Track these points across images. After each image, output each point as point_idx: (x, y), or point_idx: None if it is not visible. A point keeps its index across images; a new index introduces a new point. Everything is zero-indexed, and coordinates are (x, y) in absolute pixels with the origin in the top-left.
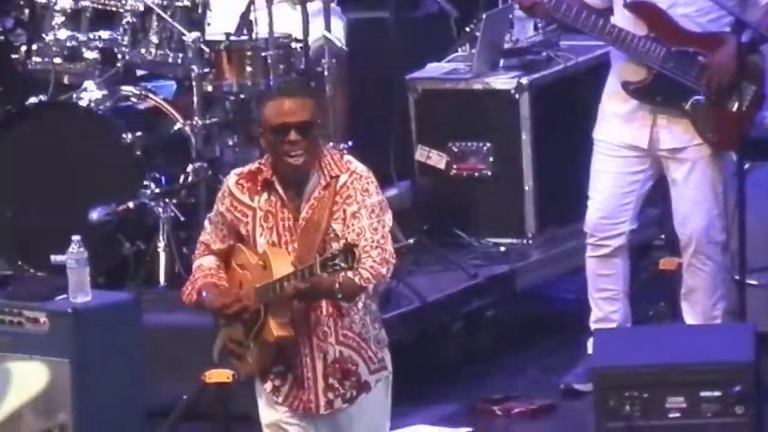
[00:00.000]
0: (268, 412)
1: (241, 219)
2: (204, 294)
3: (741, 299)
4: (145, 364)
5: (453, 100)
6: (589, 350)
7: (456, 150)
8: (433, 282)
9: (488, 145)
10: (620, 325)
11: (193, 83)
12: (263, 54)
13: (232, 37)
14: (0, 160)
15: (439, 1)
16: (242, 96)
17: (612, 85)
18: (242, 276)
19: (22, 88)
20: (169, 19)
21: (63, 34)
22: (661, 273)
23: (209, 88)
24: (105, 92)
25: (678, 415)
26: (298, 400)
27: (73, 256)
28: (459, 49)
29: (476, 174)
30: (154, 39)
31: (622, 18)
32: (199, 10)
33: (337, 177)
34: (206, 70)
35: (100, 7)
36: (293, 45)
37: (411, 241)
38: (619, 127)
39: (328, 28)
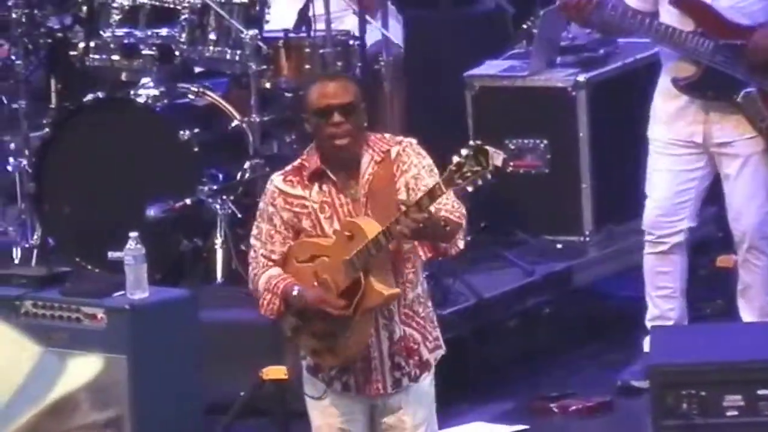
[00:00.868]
0: (320, 416)
1: (301, 212)
2: (294, 292)
3: None
4: (202, 360)
5: (510, 97)
6: (645, 348)
7: (513, 147)
8: (489, 279)
9: (545, 142)
10: (677, 323)
11: (251, 80)
12: (321, 51)
13: (291, 34)
14: (58, 156)
15: None
16: (300, 93)
17: (663, 83)
18: (316, 266)
19: (80, 85)
20: (227, 16)
21: (121, 31)
22: (719, 270)
23: (267, 85)
24: (162, 89)
25: (736, 413)
26: (363, 379)
27: (131, 252)
28: (516, 47)
29: (533, 171)
30: (212, 36)
31: (668, 15)
32: (257, 7)
33: (388, 151)
34: (264, 67)
35: (157, 4)
36: (351, 42)
37: (468, 238)
38: (672, 125)
39: (385, 26)
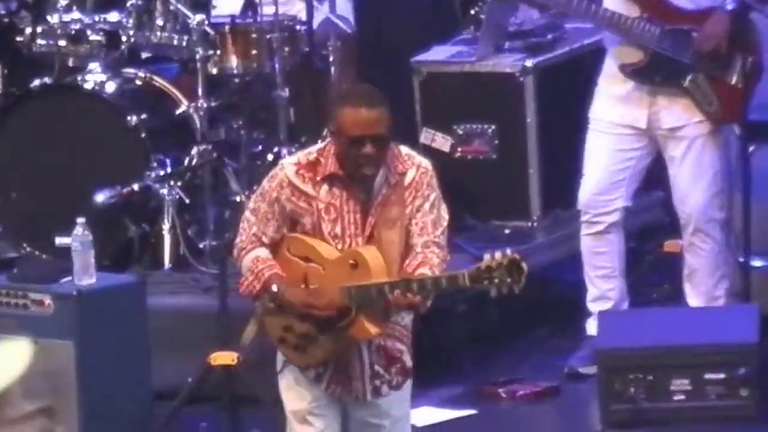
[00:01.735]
0: (295, 401)
1: (305, 209)
2: (275, 288)
3: (745, 281)
4: (149, 346)
5: (458, 82)
6: (588, 330)
7: (461, 133)
8: None
9: (493, 127)
10: (616, 304)
11: (198, 65)
12: (268, 36)
13: (237, 19)
14: (4, 142)
15: None
16: (247, 78)
17: (608, 67)
18: (308, 269)
19: (27, 71)
20: (174, 2)
21: (68, 16)
22: (666, 255)
23: (214, 71)
24: (110, 74)
25: (683, 397)
26: (341, 387)
27: (78, 238)
28: (464, 32)
29: (481, 157)
30: (159, 21)
31: (614, 1)
32: None
33: (405, 173)
34: (211, 52)
35: None
36: (298, 27)
37: None
38: (616, 108)
39: (333, 10)
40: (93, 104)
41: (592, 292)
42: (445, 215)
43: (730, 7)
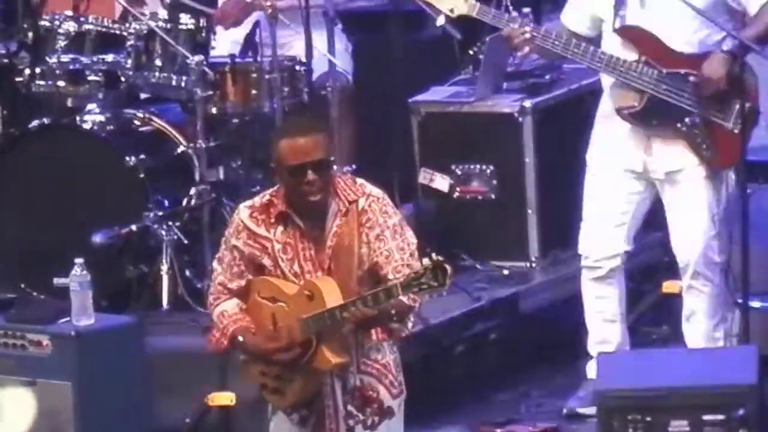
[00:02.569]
0: None
1: (261, 251)
2: (240, 339)
3: (744, 322)
4: (148, 387)
5: (456, 122)
6: (588, 374)
7: (459, 173)
8: (436, 304)
9: (491, 168)
10: (618, 348)
11: (197, 106)
12: (267, 77)
13: (237, 60)
14: (3, 182)
15: (445, 23)
16: (246, 118)
17: (604, 108)
18: (275, 309)
19: (26, 111)
20: (173, 42)
21: (66, 57)
22: (665, 296)
23: (213, 111)
24: (108, 115)
25: None
26: (323, 429)
27: (76, 278)
28: (462, 72)
29: (479, 197)
30: (158, 62)
31: (612, 44)
32: (203, 33)
33: (356, 201)
34: (210, 92)
35: (103, 30)
36: (298, 68)
37: None
38: (612, 151)
39: (331, 51)
40: (91, 144)
41: (593, 336)
42: (412, 239)
43: (726, 47)
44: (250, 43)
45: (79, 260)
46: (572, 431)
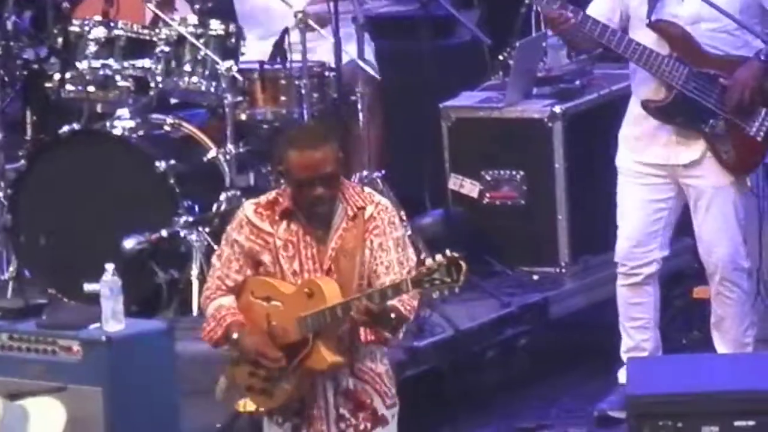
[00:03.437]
0: None
1: (263, 246)
2: (234, 336)
3: None
4: (178, 392)
5: (486, 128)
6: (621, 380)
7: (489, 179)
8: (466, 310)
9: (521, 173)
10: (651, 354)
11: (227, 111)
12: (297, 82)
13: (266, 66)
14: (33, 188)
15: (472, 29)
16: (276, 124)
17: (631, 109)
18: (270, 308)
19: (56, 117)
20: (203, 48)
21: (96, 62)
22: (695, 301)
23: (242, 117)
24: (138, 120)
25: None
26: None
27: (107, 284)
28: (492, 78)
29: (509, 202)
30: (188, 68)
31: (644, 37)
32: (233, 39)
33: (363, 208)
34: (239, 98)
35: (133, 36)
36: (327, 74)
37: None
38: (639, 149)
39: (361, 55)
40: (121, 150)
41: (626, 342)
42: (412, 256)
43: (763, 56)
44: (279, 49)
45: (109, 266)
46: None
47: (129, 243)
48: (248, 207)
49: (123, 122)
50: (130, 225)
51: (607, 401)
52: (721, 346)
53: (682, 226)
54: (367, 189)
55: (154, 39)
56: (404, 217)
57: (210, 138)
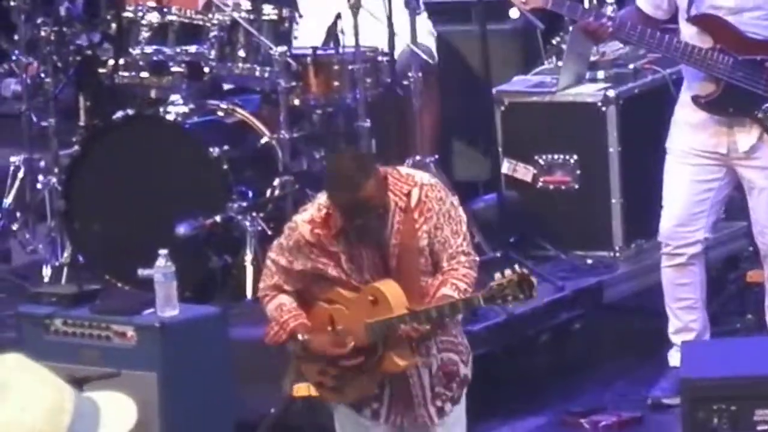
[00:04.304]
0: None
1: (327, 264)
2: (301, 337)
3: None
4: (232, 377)
5: (539, 112)
6: (671, 362)
7: (542, 163)
8: None
9: (575, 158)
10: (699, 335)
11: (280, 97)
12: (350, 67)
13: (319, 51)
14: (87, 174)
15: (525, 13)
16: (329, 109)
17: (684, 96)
18: (333, 311)
19: (110, 102)
20: (256, 33)
21: (150, 48)
22: (749, 285)
23: (296, 102)
24: (192, 106)
25: (767, 428)
26: (401, 417)
27: (161, 270)
28: (546, 62)
29: (563, 187)
30: (241, 53)
31: (686, 32)
32: (286, 24)
33: (409, 193)
34: (293, 83)
35: (186, 21)
36: (380, 58)
37: (498, 254)
38: (694, 136)
39: (414, 41)
40: (175, 136)
41: (674, 323)
42: (463, 216)
43: None
44: (331, 34)
45: (163, 251)
46: (656, 421)
47: (182, 228)
48: (303, 227)
49: (176, 108)
50: (183, 210)
51: (660, 388)
52: None
53: (737, 210)
54: (404, 170)
55: (207, 24)
56: (457, 203)
57: (263, 123)
